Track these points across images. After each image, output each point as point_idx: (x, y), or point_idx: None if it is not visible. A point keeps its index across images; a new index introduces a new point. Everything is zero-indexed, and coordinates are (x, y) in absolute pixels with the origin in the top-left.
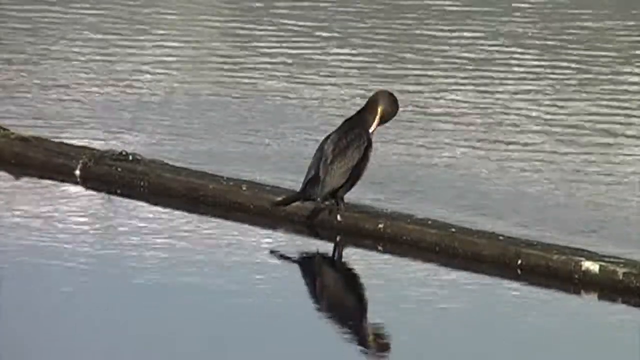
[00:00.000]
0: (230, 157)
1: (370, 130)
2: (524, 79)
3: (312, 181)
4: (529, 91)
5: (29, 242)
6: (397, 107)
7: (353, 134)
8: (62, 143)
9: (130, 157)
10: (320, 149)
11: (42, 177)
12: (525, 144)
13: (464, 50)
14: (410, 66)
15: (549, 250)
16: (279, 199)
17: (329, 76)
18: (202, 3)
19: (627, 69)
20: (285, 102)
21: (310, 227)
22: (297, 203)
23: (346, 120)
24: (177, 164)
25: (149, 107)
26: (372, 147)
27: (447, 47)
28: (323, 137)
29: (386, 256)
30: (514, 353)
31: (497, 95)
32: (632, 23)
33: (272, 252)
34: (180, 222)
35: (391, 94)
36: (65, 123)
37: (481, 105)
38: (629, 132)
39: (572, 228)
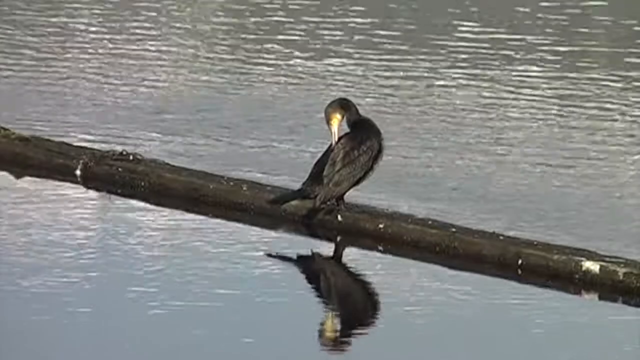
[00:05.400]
0: (230, 158)
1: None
2: (527, 81)
3: (312, 179)
4: (530, 94)
5: (29, 242)
6: (327, 108)
7: (365, 146)
8: (62, 143)
9: (131, 157)
10: (330, 150)
11: (42, 177)
12: (527, 146)
13: (468, 51)
14: (410, 72)
15: (550, 250)
16: (274, 196)
17: (331, 77)
18: (208, 4)
19: (625, 73)
20: (286, 103)
21: (310, 227)
22: (295, 202)
23: (359, 125)
24: (178, 164)
25: (150, 107)
26: (382, 153)
27: (451, 47)
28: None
29: (386, 256)
30: (514, 352)
31: (499, 97)
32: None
33: (272, 252)
34: (180, 222)
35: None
36: (66, 123)
37: (482, 107)
38: (628, 134)
39: (572, 228)
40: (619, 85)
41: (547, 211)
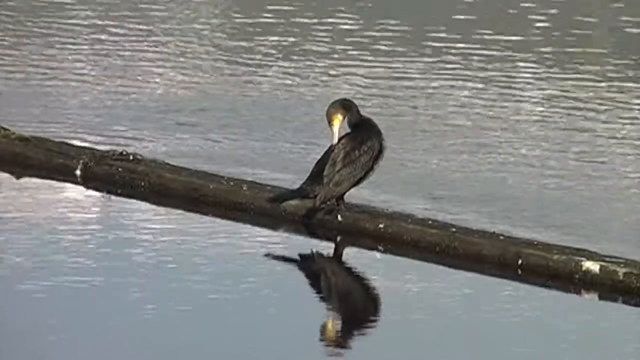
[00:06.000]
0: (230, 157)
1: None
2: (527, 82)
3: (312, 179)
4: (531, 95)
5: (29, 242)
6: (328, 108)
7: (366, 146)
8: (62, 143)
9: (131, 157)
10: (331, 150)
11: (42, 177)
12: (527, 146)
13: (467, 51)
14: (410, 73)
15: (550, 250)
16: (273, 195)
17: (331, 77)
18: (207, 4)
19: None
20: (286, 103)
21: (310, 227)
22: (295, 201)
23: (360, 126)
24: (178, 164)
25: (150, 107)
26: (383, 153)
27: (450, 48)
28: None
29: (386, 256)
30: (514, 353)
31: (499, 98)
32: None
33: (272, 252)
34: (180, 222)
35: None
36: (66, 123)
37: (482, 108)
38: (629, 134)
39: (572, 228)
40: (620, 85)
41: (547, 211)
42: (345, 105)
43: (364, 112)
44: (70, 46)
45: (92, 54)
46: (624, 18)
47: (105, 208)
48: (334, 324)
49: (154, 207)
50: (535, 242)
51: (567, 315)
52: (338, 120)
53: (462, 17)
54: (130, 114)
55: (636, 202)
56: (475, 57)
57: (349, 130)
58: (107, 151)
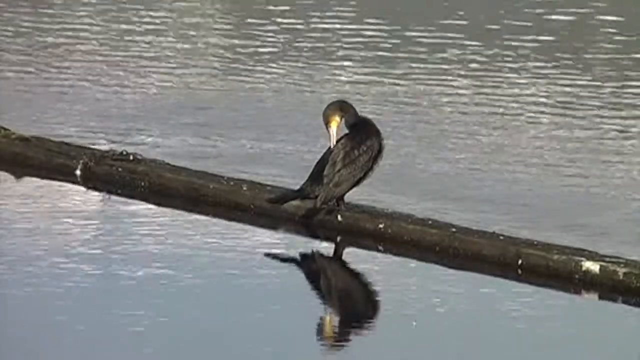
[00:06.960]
0: (230, 158)
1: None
2: (528, 82)
3: (312, 179)
4: (531, 94)
5: (29, 242)
6: (325, 110)
7: (366, 146)
8: (62, 143)
9: (131, 157)
10: (330, 151)
11: (42, 177)
12: (527, 146)
13: (467, 52)
14: (410, 73)
15: (550, 250)
16: (273, 196)
17: (331, 77)
18: (206, 5)
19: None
20: (287, 103)
21: (310, 227)
22: (296, 202)
23: (359, 126)
24: (178, 164)
25: (150, 107)
26: (382, 153)
27: (448, 49)
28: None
29: (386, 256)
30: (514, 352)
31: (500, 99)
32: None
33: (272, 252)
34: (181, 222)
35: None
36: (66, 123)
37: (483, 108)
38: (629, 135)
39: (572, 228)
40: (621, 86)
41: (547, 211)
42: (343, 107)
43: (362, 112)
44: (70, 46)
45: (91, 54)
46: (622, 18)
47: (105, 208)
48: (333, 324)
49: (154, 207)
50: (535, 242)
51: (567, 315)
52: (335, 122)
53: (459, 17)
54: (130, 113)
55: (637, 203)
56: (475, 58)
57: (347, 132)
58: (107, 151)
